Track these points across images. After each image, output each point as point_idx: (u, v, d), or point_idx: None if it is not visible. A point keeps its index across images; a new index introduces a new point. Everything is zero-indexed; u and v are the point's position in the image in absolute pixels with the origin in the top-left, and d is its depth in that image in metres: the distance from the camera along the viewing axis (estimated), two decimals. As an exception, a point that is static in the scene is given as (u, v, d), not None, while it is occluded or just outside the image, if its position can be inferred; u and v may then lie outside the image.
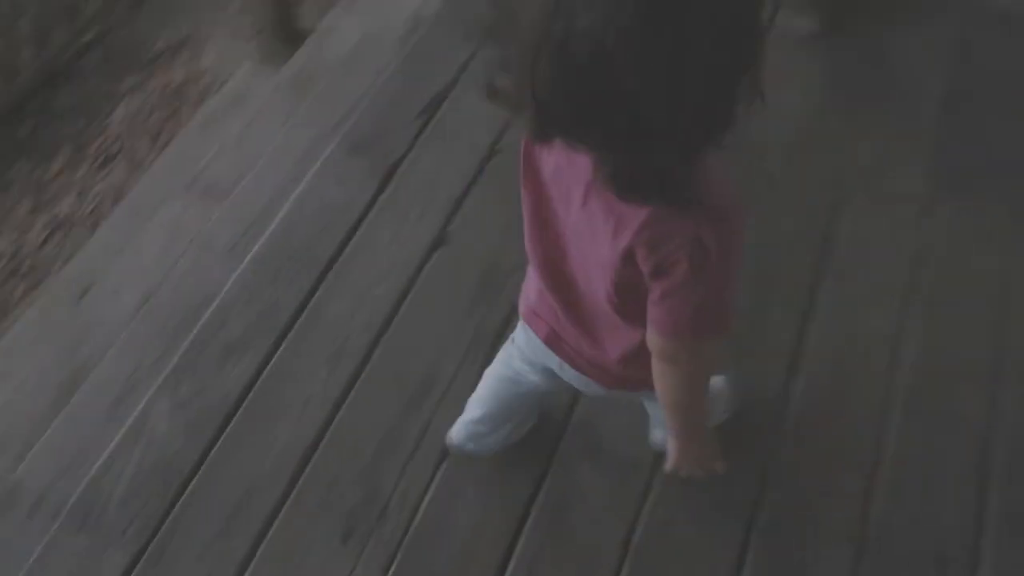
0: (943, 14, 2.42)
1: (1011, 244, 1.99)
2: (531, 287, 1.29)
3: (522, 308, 1.33)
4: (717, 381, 1.62)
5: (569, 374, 1.31)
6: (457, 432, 1.66)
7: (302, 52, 2.65)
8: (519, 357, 1.43)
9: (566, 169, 1.02)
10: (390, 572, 1.61)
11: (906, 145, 2.15)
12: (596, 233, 1.01)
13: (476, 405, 1.62)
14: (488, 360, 1.81)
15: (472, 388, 1.77)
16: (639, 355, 1.12)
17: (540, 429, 1.73)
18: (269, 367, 1.84)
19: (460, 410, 1.74)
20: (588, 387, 1.32)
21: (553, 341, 1.27)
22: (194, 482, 1.70)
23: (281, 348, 1.86)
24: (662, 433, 1.59)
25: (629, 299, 1.05)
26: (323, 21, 2.80)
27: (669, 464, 1.28)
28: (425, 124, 2.23)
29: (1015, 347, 1.85)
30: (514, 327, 1.87)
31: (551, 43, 0.81)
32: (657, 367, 1.10)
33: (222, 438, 1.75)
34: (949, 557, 1.62)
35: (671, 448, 1.25)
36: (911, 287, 1.93)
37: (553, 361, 1.31)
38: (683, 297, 0.99)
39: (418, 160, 2.17)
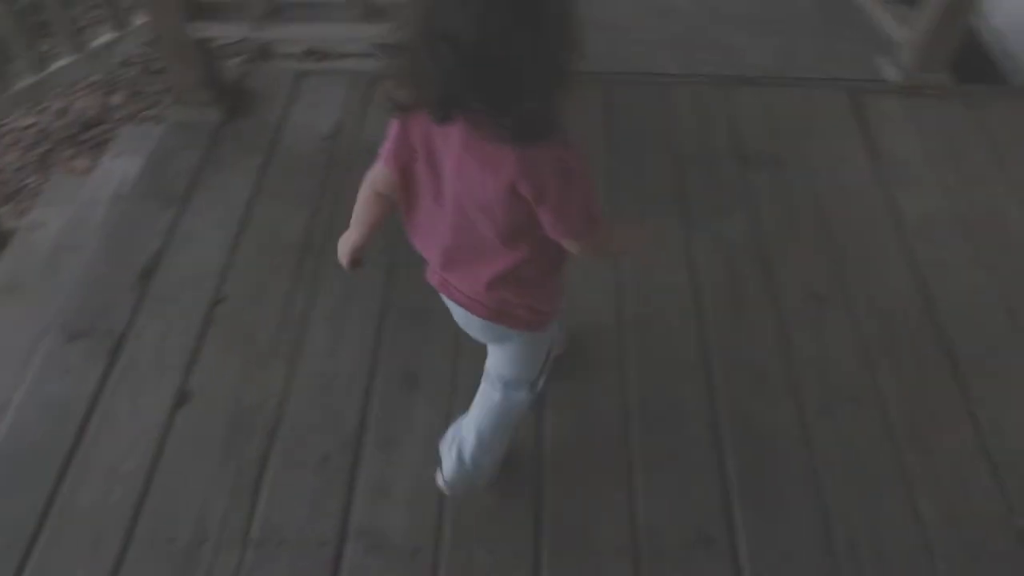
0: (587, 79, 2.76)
1: (689, 254, 2.28)
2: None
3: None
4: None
5: (458, 313, 1.55)
6: None
7: (7, 255, 2.56)
8: None
9: (438, 144, 1.30)
10: None
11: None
12: (476, 184, 1.28)
13: None
14: (256, 496, 1.81)
15: (243, 530, 1.76)
16: (503, 279, 1.41)
17: (321, 546, 1.74)
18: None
19: (238, 554, 1.73)
20: (469, 322, 1.56)
21: (443, 287, 1.52)
22: None
23: (33, 555, 1.74)
24: (448, 471, 1.80)
25: (517, 230, 1.33)
26: (24, 219, 2.73)
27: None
28: (143, 293, 2.22)
29: (716, 342, 2.10)
30: (271, 460, 1.90)
31: (442, 40, 1.11)
32: (583, 258, 1.43)
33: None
34: (712, 536, 1.77)
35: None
36: (619, 317, 2.14)
37: (448, 303, 1.55)
38: (566, 209, 1.29)
39: (143, 329, 2.14)
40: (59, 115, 3.33)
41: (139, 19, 2.54)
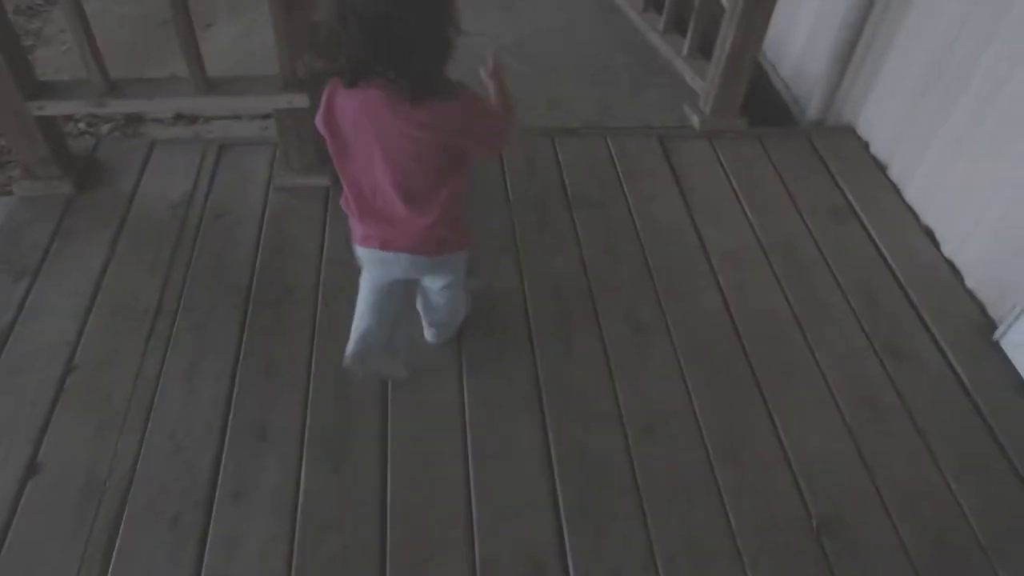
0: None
1: (522, 292, 2.28)
2: (355, 224, 1.71)
3: (356, 241, 1.74)
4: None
5: (403, 261, 1.72)
6: (351, 352, 1.90)
7: None
8: (369, 289, 1.87)
9: (362, 111, 1.47)
10: None
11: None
12: (405, 137, 1.47)
13: (361, 319, 1.89)
14: (107, 561, 1.69)
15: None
16: (442, 217, 1.63)
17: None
18: None
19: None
20: (416, 265, 1.76)
21: (387, 243, 1.69)
22: None
23: None
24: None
25: (445, 171, 1.56)
26: None
27: None
28: (-8, 368, 2.05)
29: (548, 376, 2.09)
30: (123, 523, 1.77)
31: (352, 19, 1.32)
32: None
33: None
34: (544, 562, 1.74)
35: None
36: (458, 358, 2.12)
37: (389, 259, 1.72)
38: (492, 133, 1.58)
39: (-8, 405, 1.98)
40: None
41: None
